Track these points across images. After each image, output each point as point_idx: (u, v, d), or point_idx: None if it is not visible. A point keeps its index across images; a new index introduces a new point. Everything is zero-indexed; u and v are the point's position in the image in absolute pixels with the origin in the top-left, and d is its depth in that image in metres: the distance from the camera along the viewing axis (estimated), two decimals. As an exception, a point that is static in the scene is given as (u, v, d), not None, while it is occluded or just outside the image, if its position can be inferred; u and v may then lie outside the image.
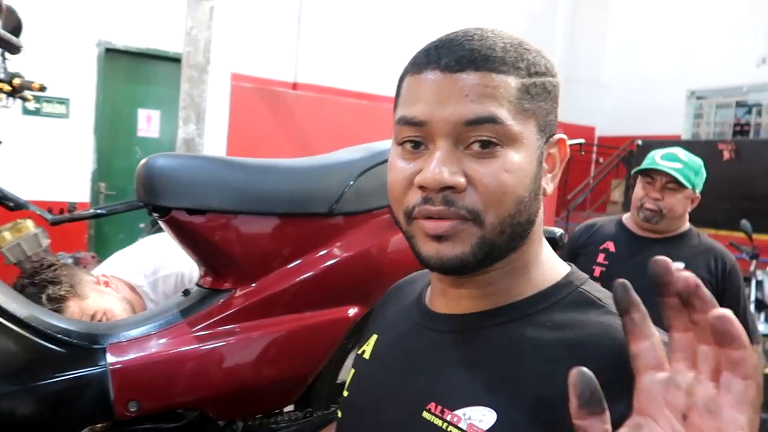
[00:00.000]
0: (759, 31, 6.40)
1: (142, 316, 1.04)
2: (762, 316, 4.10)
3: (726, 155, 5.99)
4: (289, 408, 1.09)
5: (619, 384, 0.48)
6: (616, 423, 0.46)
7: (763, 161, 5.76)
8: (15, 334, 0.89)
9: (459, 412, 0.56)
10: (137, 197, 1.02)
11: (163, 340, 0.96)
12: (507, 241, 0.57)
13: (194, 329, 0.98)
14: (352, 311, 1.05)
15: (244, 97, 5.05)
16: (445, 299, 0.64)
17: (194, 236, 0.99)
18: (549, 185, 0.60)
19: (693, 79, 6.98)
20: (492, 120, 0.54)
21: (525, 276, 0.61)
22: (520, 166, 0.55)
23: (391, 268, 1.08)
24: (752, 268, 4.15)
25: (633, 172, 1.87)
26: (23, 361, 0.89)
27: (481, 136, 0.54)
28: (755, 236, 4.18)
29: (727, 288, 1.76)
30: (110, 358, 0.92)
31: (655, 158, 1.83)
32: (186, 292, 1.06)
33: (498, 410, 0.54)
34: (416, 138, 0.57)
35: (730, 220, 5.47)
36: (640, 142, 6.61)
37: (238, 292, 1.01)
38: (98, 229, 4.46)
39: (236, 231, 1.00)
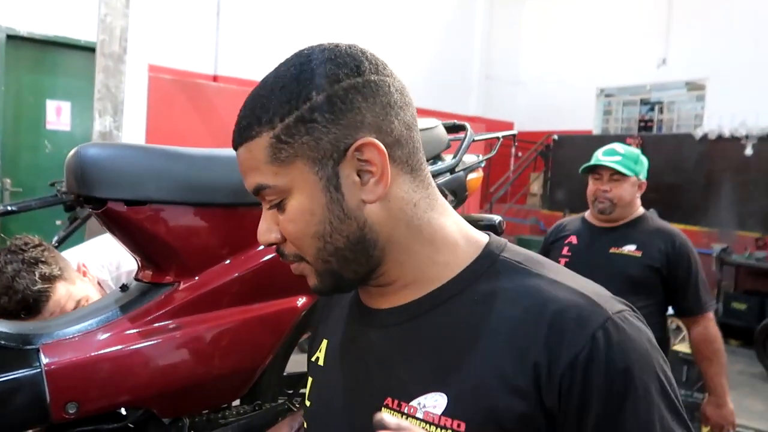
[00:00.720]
0: (659, 34, 6.84)
1: (77, 314, 0.99)
2: (668, 298, 4.40)
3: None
4: (236, 402, 1.07)
5: (537, 341, 0.54)
6: (533, 377, 0.54)
7: (666, 155, 6.17)
8: (-64, 336, 0.82)
9: (414, 402, 0.58)
10: (68, 189, 0.96)
11: (102, 338, 0.91)
12: (344, 265, 0.61)
13: (135, 325, 0.94)
14: (300, 301, 1.04)
15: (163, 89, 4.86)
16: (374, 296, 0.66)
17: (133, 229, 0.95)
18: (371, 193, 0.59)
19: (602, 78, 7.38)
20: (261, 187, 0.60)
21: (431, 260, 0.62)
22: (303, 209, 0.59)
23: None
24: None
25: (581, 170, 2.11)
26: (-53, 366, 0.82)
27: (271, 200, 0.61)
28: (661, 224, 4.48)
29: (678, 262, 1.95)
30: (44, 359, 0.86)
31: (598, 156, 2.06)
32: (124, 288, 1.01)
33: (447, 393, 0.56)
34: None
35: (637, 210, 5.83)
36: (556, 136, 6.92)
37: (181, 286, 0.98)
38: (5, 228, 4.16)
39: (178, 222, 0.96)
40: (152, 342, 0.93)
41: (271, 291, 1.02)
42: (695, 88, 7.01)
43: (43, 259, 1.20)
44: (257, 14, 5.92)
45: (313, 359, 0.74)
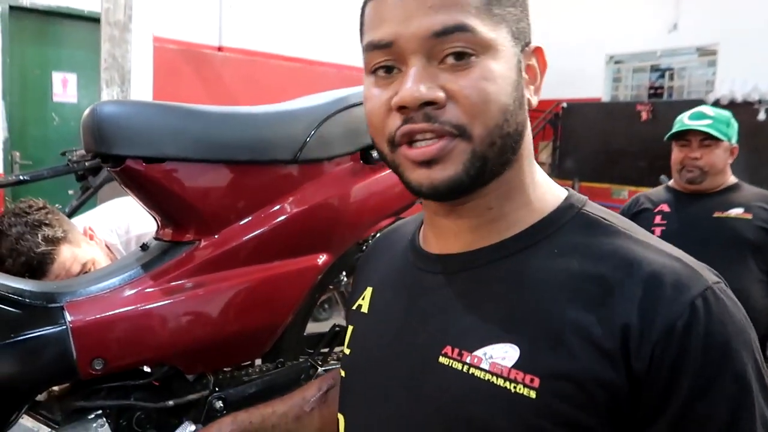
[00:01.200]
0: (670, 0, 6.70)
1: (100, 273, 0.99)
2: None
3: (644, 116, 6.31)
4: (259, 361, 1.07)
5: (630, 301, 0.50)
6: (622, 338, 0.49)
7: (676, 121, 6.11)
8: (-38, 294, 0.82)
9: (479, 352, 0.53)
10: (85, 148, 0.95)
11: (125, 295, 0.91)
12: (498, 154, 0.55)
13: (157, 283, 0.94)
14: (321, 259, 1.04)
15: (168, 59, 4.81)
16: (443, 237, 0.61)
17: (152, 187, 0.94)
18: (533, 96, 0.58)
19: (611, 44, 7.26)
20: (461, 28, 0.51)
21: (523, 198, 0.59)
22: (500, 73, 0.53)
23: (357, 214, 1.07)
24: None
25: (666, 138, 1.93)
26: (-27, 324, 0.82)
27: (454, 48, 0.52)
28: (672, 191, 4.45)
29: None
30: (69, 317, 0.86)
31: (684, 120, 1.88)
32: (144, 247, 1.01)
33: (520, 345, 0.52)
34: (387, 62, 0.54)
35: (647, 177, 5.78)
36: (565, 104, 6.84)
37: (202, 244, 0.97)
38: (17, 199, 4.17)
39: (197, 180, 0.95)
40: (175, 299, 0.93)
41: (292, 249, 1.02)
42: (706, 53, 6.89)
43: (46, 222, 1.20)
44: (261, -17, 5.83)
45: (354, 307, 0.70)
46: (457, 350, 0.55)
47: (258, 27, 5.68)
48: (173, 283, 0.94)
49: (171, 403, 0.93)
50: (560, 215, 0.58)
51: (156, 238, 1.01)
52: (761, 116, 5.47)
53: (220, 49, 5.70)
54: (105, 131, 0.90)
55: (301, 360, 1.10)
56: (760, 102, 5.50)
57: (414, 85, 0.52)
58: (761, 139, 5.52)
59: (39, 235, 1.16)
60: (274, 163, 1.00)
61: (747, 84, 5.65)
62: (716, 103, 5.80)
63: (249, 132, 0.99)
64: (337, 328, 1.14)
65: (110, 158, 0.91)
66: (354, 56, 6.12)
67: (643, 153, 6.27)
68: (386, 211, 1.11)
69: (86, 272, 1.20)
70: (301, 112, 1.03)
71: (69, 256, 1.19)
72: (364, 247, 1.13)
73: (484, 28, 0.52)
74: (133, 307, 0.90)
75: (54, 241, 1.18)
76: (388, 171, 1.09)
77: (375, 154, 1.06)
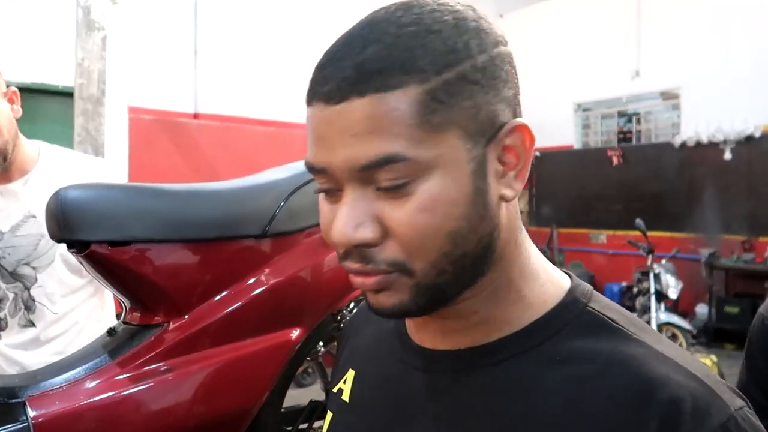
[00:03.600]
0: (631, 47, 6.99)
1: (64, 362, 0.95)
2: (662, 306, 4.41)
3: (615, 161, 6.45)
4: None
5: (644, 428, 0.43)
6: None
7: (647, 164, 6.25)
8: None
9: None
10: (50, 234, 0.94)
11: (91, 386, 0.88)
12: (453, 279, 0.48)
13: (125, 370, 0.91)
14: (294, 334, 1.02)
15: (144, 129, 4.85)
16: (430, 332, 0.55)
17: (119, 270, 0.92)
18: (512, 186, 0.49)
19: (578, 93, 7.49)
20: (389, 160, 0.44)
21: (514, 295, 0.51)
22: (444, 197, 0.45)
23: (330, 286, 1.06)
24: (649, 262, 4.47)
25: None
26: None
27: (386, 180, 0.45)
28: (649, 233, 4.52)
29: None
30: (31, 412, 0.83)
31: None
32: (111, 331, 0.98)
33: None
34: (327, 186, 0.48)
35: (624, 220, 5.87)
36: (538, 153, 6.99)
37: (171, 326, 0.95)
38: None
39: (165, 261, 0.94)
40: (144, 387, 0.90)
41: (264, 325, 1.00)
42: (670, 97, 7.14)
43: None
44: (234, 51, 5.96)
45: (335, 390, 0.64)
46: None
47: (233, 92, 5.78)
48: (142, 370, 0.91)
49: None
50: (562, 313, 0.51)
51: (124, 323, 0.99)
52: (727, 156, 5.63)
53: (195, 116, 5.76)
54: (69, 217, 0.89)
55: (278, 439, 1.06)
56: (725, 142, 5.66)
57: (343, 225, 0.46)
58: (729, 178, 5.66)
59: None
60: (243, 239, 0.99)
61: (711, 125, 5.83)
62: (683, 146, 5.97)
63: (216, 209, 0.98)
64: (315, 404, 1.11)
65: (75, 243, 0.90)
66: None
67: (617, 197, 6.39)
68: (359, 280, 1.10)
69: None
70: (269, 186, 1.03)
71: None
72: (339, 317, 1.12)
73: (420, 150, 0.44)
74: (99, 397, 0.87)
75: None
76: (360, 239, 1.09)
77: (345, 223, 1.06)
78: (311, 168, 0.48)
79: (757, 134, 5.55)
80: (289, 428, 1.10)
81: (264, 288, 1.00)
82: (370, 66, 0.44)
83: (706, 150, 5.85)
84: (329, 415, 0.64)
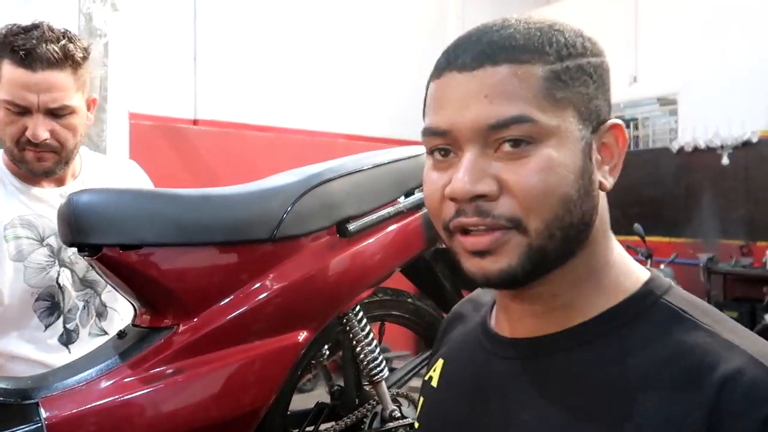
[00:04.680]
0: (628, 53, 7.03)
1: (76, 364, 0.97)
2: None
3: (613, 166, 6.47)
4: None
5: (700, 409, 0.46)
6: None
7: (645, 169, 6.27)
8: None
9: None
10: (61, 238, 0.95)
11: (103, 387, 0.89)
12: (559, 246, 0.51)
13: (135, 372, 0.92)
14: (302, 336, 1.03)
15: (144, 135, 4.86)
16: (509, 320, 0.59)
17: (129, 273, 0.94)
18: (607, 178, 0.54)
19: (576, 98, 7.51)
20: (518, 120, 0.49)
21: (594, 283, 0.54)
22: (561, 161, 0.50)
23: (336, 288, 1.08)
24: (648, 267, 4.49)
25: None
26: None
27: (511, 135, 0.49)
28: (647, 238, 4.53)
29: None
30: (44, 413, 0.84)
31: None
32: (121, 334, 1.00)
33: None
34: (444, 146, 0.53)
35: (623, 225, 5.89)
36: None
37: (180, 328, 0.96)
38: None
39: (175, 264, 0.96)
40: (154, 388, 0.92)
41: (272, 327, 1.01)
42: (667, 102, 7.17)
43: (74, 40, 1.14)
44: (234, 58, 5.99)
45: (426, 378, 0.69)
46: None
47: (232, 98, 5.79)
48: (152, 371, 0.92)
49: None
50: (636, 303, 0.53)
51: (134, 325, 1.00)
52: (725, 161, 5.66)
53: (195, 122, 5.78)
54: (81, 221, 0.90)
55: (286, 440, 1.08)
56: (722, 147, 5.69)
57: (464, 177, 0.50)
58: (727, 183, 5.68)
59: (60, 43, 1.11)
60: (251, 243, 1.01)
61: (708, 130, 5.86)
62: (680, 151, 6.00)
63: (225, 213, 1.00)
64: (321, 406, 1.12)
65: (87, 247, 0.91)
66: (326, 123, 6.23)
67: (615, 202, 6.33)
68: (365, 283, 1.11)
69: (59, 112, 1.12)
70: (276, 190, 1.05)
71: (64, 81, 1.11)
72: (345, 320, 1.13)
73: (544, 117, 0.49)
74: (110, 398, 0.89)
75: (67, 55, 1.11)
76: (365, 242, 1.10)
77: (351, 227, 1.08)
78: (434, 130, 0.53)
79: (755, 139, 5.57)
80: (296, 431, 1.11)
81: (272, 291, 1.01)
82: (503, 43, 0.51)
83: (704, 155, 5.88)
84: (421, 400, 0.68)
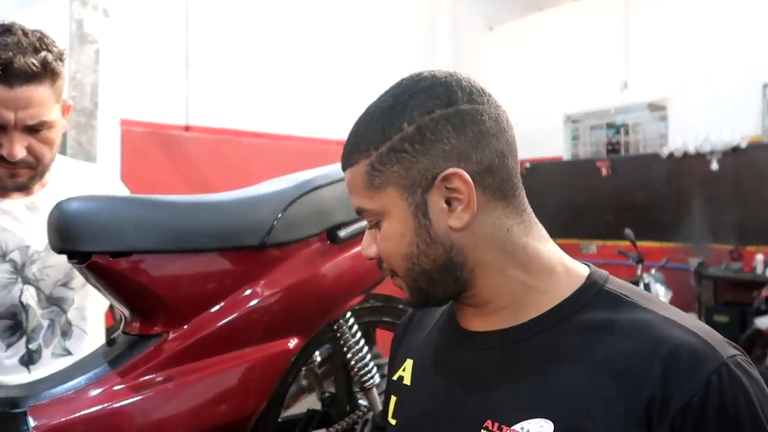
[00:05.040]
0: (619, 59, 7.08)
1: (65, 372, 0.96)
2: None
3: (604, 172, 6.51)
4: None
5: (653, 377, 0.54)
6: (645, 410, 0.54)
7: (636, 175, 6.31)
8: None
9: (517, 426, 0.58)
10: (51, 246, 0.95)
11: (92, 395, 0.89)
12: (432, 284, 0.64)
13: (125, 379, 0.92)
14: (292, 342, 1.03)
15: (136, 141, 4.85)
16: (472, 317, 0.67)
17: (119, 280, 0.93)
18: (457, 220, 0.61)
19: (567, 104, 7.57)
20: (360, 210, 0.65)
21: (533, 290, 0.63)
22: (392, 232, 0.63)
23: (327, 295, 1.08)
24: (639, 272, 4.51)
25: None
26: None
27: (367, 221, 0.66)
28: (638, 243, 4.56)
29: None
30: (33, 422, 0.84)
31: None
32: (111, 342, 0.99)
33: (554, 419, 0.56)
34: None
35: (614, 230, 5.92)
36: (528, 164, 7.04)
37: (170, 335, 0.96)
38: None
39: (165, 271, 0.95)
40: (143, 396, 0.91)
41: (263, 334, 1.01)
42: (657, 108, 7.22)
43: (50, 48, 1.04)
44: (226, 63, 5.99)
45: (395, 378, 0.76)
46: (497, 424, 0.59)
47: (224, 104, 5.79)
48: (141, 379, 0.92)
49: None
50: (583, 294, 0.63)
51: (123, 332, 1.00)
52: (714, 166, 5.70)
53: (187, 128, 5.77)
54: (70, 228, 0.90)
55: (276, 448, 1.07)
56: (711, 153, 5.73)
57: (364, 242, 0.68)
58: (717, 188, 5.72)
59: (39, 54, 1.01)
60: (241, 249, 1.01)
61: (698, 136, 5.90)
62: (671, 156, 6.04)
63: (215, 220, 1.00)
64: (312, 413, 1.12)
65: (76, 254, 0.91)
66: (318, 129, 6.23)
67: (606, 207, 6.44)
68: (356, 289, 1.11)
69: (37, 128, 1.03)
70: (267, 197, 1.05)
71: (43, 96, 1.02)
72: (335, 327, 1.13)
73: (371, 203, 0.63)
74: (99, 407, 0.88)
75: (46, 68, 1.02)
76: (356, 249, 1.11)
77: (341, 233, 1.08)
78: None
79: (744, 145, 5.62)
80: (287, 437, 1.11)
81: (262, 298, 1.01)
82: (347, 149, 0.65)
83: (694, 161, 5.92)
84: (393, 399, 0.75)
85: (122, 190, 1.29)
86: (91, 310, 1.20)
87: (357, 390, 1.21)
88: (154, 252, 0.94)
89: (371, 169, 0.62)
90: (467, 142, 0.61)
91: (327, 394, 1.23)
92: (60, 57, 1.05)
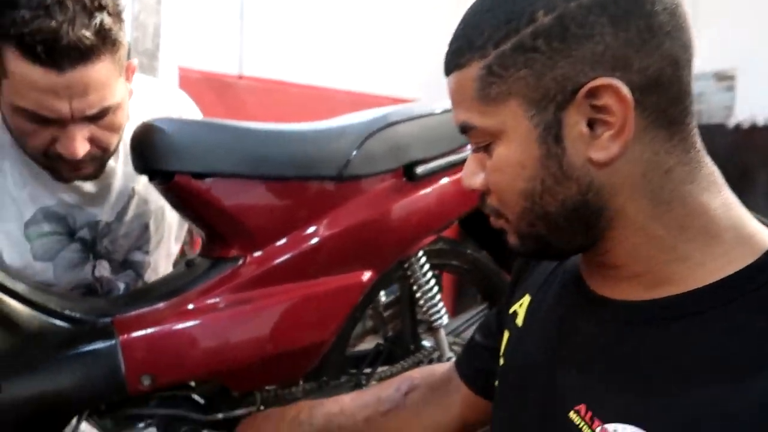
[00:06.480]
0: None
1: (146, 289, 0.99)
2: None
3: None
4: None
5: None
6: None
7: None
8: (16, 310, 0.82)
9: (610, 427, 0.46)
10: (133, 165, 0.96)
11: (173, 311, 0.91)
12: (551, 232, 0.50)
13: (204, 299, 0.93)
14: (366, 276, 1.03)
15: (192, 88, 4.89)
16: (597, 275, 0.54)
17: (200, 202, 0.94)
18: (602, 150, 0.46)
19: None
20: (464, 127, 0.51)
21: (689, 258, 0.47)
22: (509, 159, 0.49)
23: (401, 231, 1.06)
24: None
25: None
26: (26, 340, 0.82)
27: (473, 142, 0.53)
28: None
29: None
30: (119, 332, 0.86)
31: None
32: (189, 263, 1.01)
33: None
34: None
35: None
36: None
37: (247, 260, 0.97)
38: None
39: (244, 196, 0.96)
40: (221, 316, 0.93)
41: (336, 265, 1.01)
42: (724, 78, 6.87)
43: (111, 11, 0.82)
44: (280, 14, 5.95)
45: (510, 311, 0.65)
46: (590, 413, 0.49)
47: (276, 56, 5.78)
48: (219, 299, 0.93)
49: (220, 416, 0.93)
50: (755, 275, 0.45)
51: (201, 255, 1.01)
52: (783, 140, 5.42)
53: (240, 77, 5.80)
54: (154, 147, 0.91)
55: (343, 380, 1.08)
56: (781, 125, 5.45)
57: (466, 169, 0.55)
58: (784, 163, 5.46)
59: (93, 20, 0.78)
60: (318, 179, 1.00)
61: (767, 108, 5.61)
62: (737, 128, 5.77)
63: (294, 148, 0.99)
64: (380, 348, 1.13)
65: (158, 174, 0.92)
66: (368, 83, 6.19)
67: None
68: (429, 228, 1.10)
69: (100, 115, 0.85)
70: (345, 129, 1.03)
71: (104, 75, 0.82)
72: (406, 266, 1.12)
73: (483, 120, 0.49)
74: (180, 323, 0.90)
75: (104, 38, 0.80)
76: (431, 187, 1.09)
77: (418, 170, 1.06)
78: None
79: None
80: (354, 371, 1.12)
81: (337, 229, 1.01)
82: (453, 46, 0.51)
83: (761, 133, 5.64)
84: (506, 334, 0.65)
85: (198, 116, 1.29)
86: (166, 265, 1.15)
87: (421, 331, 1.21)
88: (234, 176, 0.94)
89: (487, 73, 0.47)
90: (629, 41, 0.44)
91: (391, 334, 1.23)
92: (119, 15, 0.85)
